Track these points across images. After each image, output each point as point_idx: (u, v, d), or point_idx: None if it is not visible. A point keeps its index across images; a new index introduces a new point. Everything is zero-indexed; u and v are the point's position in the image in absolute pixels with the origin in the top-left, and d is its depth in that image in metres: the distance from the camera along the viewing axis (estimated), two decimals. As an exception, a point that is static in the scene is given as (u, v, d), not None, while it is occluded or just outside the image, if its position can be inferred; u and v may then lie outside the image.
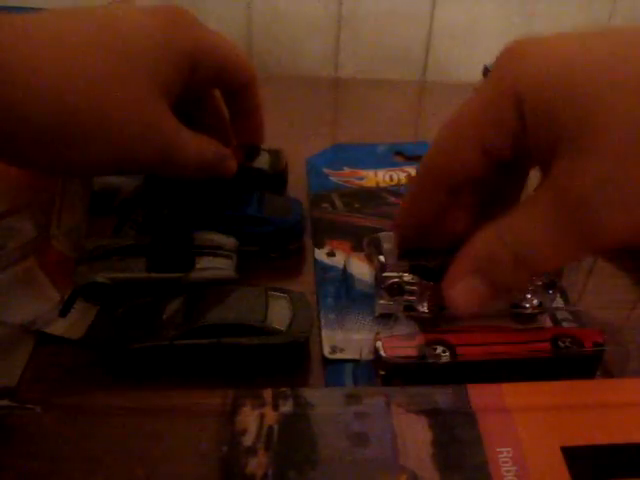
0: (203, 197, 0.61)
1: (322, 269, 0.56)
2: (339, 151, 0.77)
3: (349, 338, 0.48)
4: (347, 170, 0.73)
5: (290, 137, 0.84)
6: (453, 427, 0.36)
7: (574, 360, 0.44)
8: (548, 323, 0.48)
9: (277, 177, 0.66)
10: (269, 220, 0.58)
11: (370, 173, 0.73)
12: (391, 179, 0.72)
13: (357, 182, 0.71)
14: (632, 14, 1.10)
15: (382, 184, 0.71)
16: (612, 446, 0.35)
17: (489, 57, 1.13)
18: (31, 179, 0.56)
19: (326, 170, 0.72)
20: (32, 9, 0.73)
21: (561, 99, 0.34)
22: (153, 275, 0.51)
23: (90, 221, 0.59)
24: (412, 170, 0.73)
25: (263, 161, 0.67)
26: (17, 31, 0.40)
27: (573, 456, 0.34)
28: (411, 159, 0.76)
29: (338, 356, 0.47)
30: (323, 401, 0.37)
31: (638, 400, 0.38)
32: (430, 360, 0.43)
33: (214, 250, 0.54)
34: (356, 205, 0.66)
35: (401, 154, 0.78)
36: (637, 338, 0.52)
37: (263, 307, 0.47)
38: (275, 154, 0.69)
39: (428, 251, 0.47)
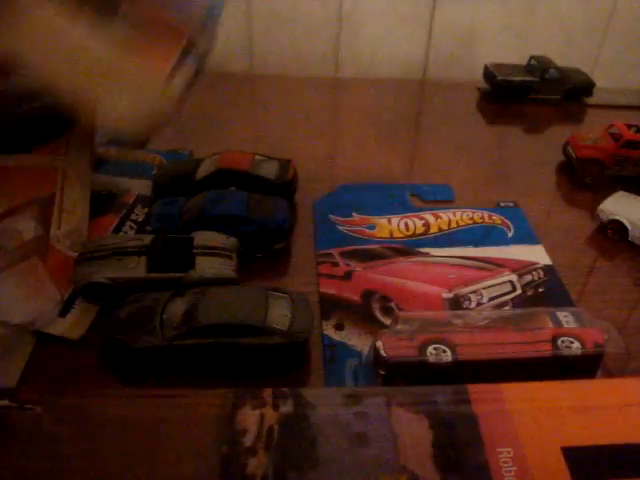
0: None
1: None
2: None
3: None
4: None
5: (290, 137, 0.84)
6: (453, 427, 0.36)
7: (574, 360, 0.44)
8: (548, 323, 0.48)
9: (284, 187, 0.65)
10: (253, 220, 0.58)
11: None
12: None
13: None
14: (632, 14, 1.10)
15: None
16: (612, 446, 0.35)
17: (489, 57, 1.13)
18: (31, 179, 0.56)
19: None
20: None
21: None
22: (153, 275, 0.51)
23: (90, 221, 0.59)
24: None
25: (271, 170, 0.66)
26: None
27: (573, 456, 0.34)
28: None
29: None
30: (323, 401, 0.37)
31: (638, 400, 0.38)
32: (430, 360, 0.43)
33: (214, 250, 0.54)
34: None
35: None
36: (637, 338, 0.52)
37: (263, 307, 0.47)
38: (284, 164, 0.68)
39: None
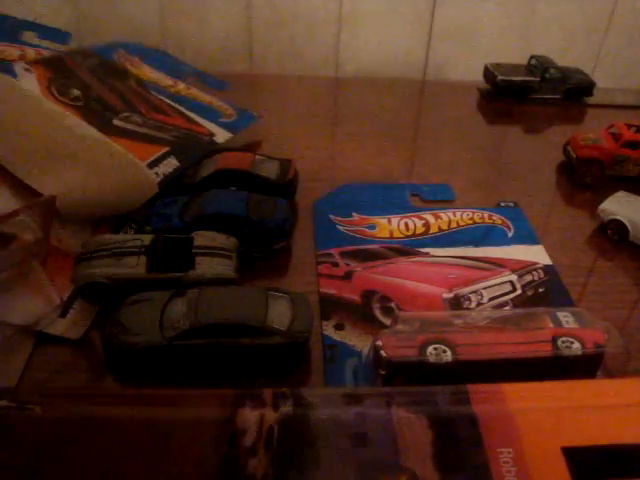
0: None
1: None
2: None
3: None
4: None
5: (290, 137, 0.84)
6: (453, 427, 0.36)
7: (575, 360, 0.44)
8: (549, 323, 0.48)
9: (284, 187, 0.65)
10: (252, 219, 0.58)
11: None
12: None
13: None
14: (632, 14, 1.10)
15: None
16: (612, 446, 0.35)
17: (489, 57, 1.13)
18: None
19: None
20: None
21: None
22: (153, 275, 0.51)
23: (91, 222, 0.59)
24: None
25: (272, 170, 0.66)
26: None
27: (574, 456, 0.34)
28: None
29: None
30: (323, 401, 0.37)
31: (638, 400, 0.38)
32: (431, 360, 0.43)
33: (214, 250, 0.54)
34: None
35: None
36: (637, 338, 0.52)
37: (263, 307, 0.47)
38: (285, 164, 0.68)
39: None
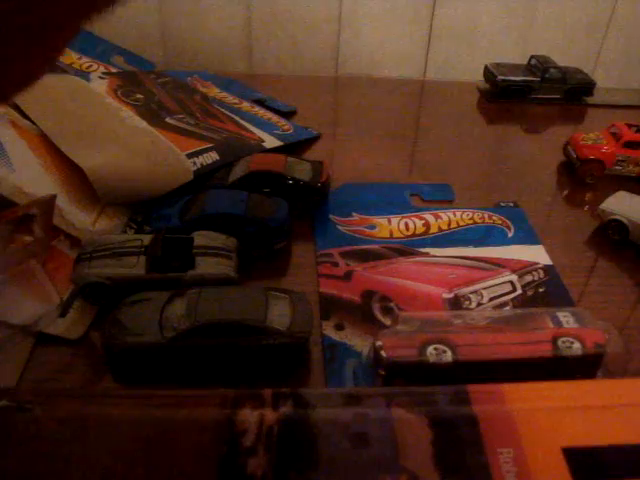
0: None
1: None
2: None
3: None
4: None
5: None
6: (453, 427, 0.36)
7: (575, 360, 0.44)
8: (549, 323, 0.48)
9: (317, 189, 0.65)
10: (252, 219, 0.58)
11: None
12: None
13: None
14: (632, 14, 1.10)
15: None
16: (612, 446, 0.35)
17: (489, 57, 1.13)
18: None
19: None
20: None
21: None
22: (153, 275, 0.51)
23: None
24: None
25: (305, 172, 0.66)
26: None
27: (574, 456, 0.34)
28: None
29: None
30: (323, 401, 0.37)
31: (638, 400, 0.38)
32: (431, 360, 0.43)
33: (214, 250, 0.54)
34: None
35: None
36: (637, 338, 0.52)
37: (263, 307, 0.47)
38: (316, 165, 0.68)
39: None
